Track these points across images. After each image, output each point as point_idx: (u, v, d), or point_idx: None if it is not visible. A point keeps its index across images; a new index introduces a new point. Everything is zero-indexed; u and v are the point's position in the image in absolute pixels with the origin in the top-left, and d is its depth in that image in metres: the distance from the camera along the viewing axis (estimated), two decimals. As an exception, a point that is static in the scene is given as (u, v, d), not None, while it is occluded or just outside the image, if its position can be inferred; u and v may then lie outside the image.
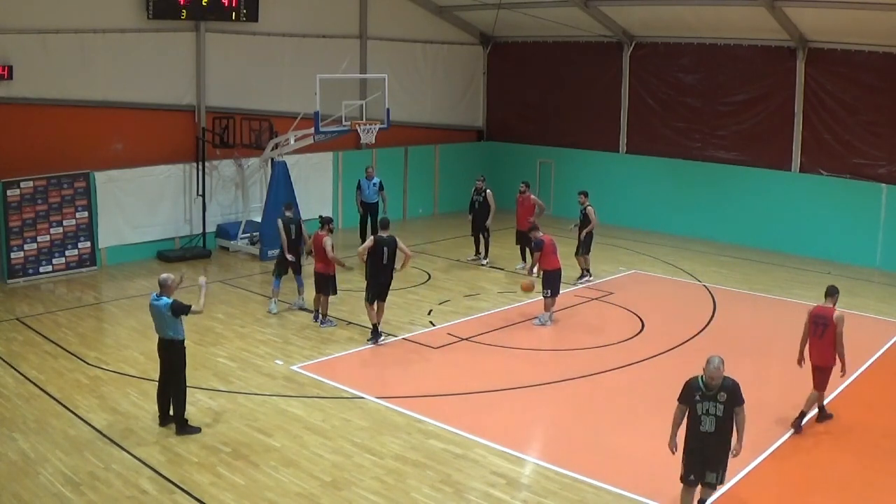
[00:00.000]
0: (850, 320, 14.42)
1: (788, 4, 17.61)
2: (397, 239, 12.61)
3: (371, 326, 12.75)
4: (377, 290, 12.59)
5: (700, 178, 20.93)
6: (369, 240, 12.78)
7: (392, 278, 12.71)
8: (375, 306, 12.67)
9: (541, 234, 13.96)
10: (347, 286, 14.53)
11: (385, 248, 12.45)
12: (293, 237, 14.11)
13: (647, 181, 21.97)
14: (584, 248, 16.47)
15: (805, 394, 10.31)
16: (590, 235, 16.42)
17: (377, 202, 18.96)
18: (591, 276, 16.58)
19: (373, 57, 22.03)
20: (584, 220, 16.36)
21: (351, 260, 14.57)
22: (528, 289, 14.21)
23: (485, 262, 17.90)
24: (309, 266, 14.11)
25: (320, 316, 13.54)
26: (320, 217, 13.78)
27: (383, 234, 12.64)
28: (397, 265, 12.72)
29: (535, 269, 14.10)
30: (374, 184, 18.90)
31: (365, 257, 12.57)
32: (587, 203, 16.41)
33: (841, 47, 18.52)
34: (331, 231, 13.48)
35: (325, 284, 13.37)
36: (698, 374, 7.45)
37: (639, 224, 21.95)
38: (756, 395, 11.05)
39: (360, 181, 19.06)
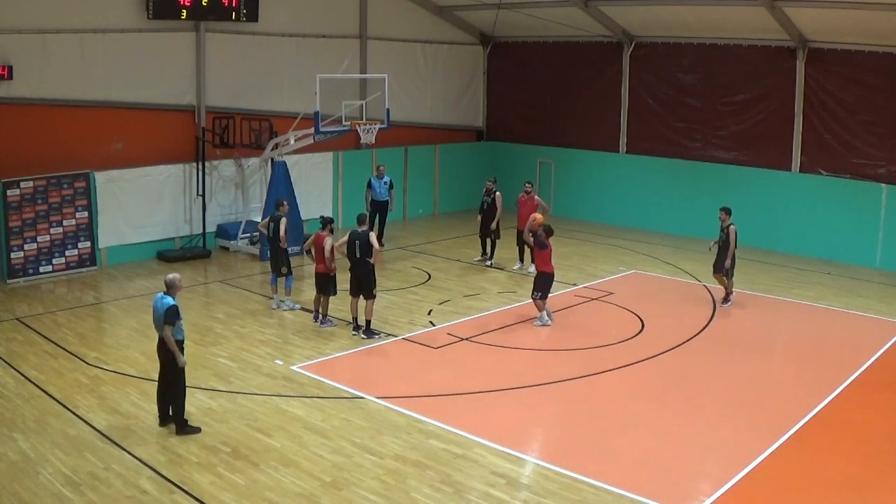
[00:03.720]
0: (850, 320, 14.59)
1: (788, 4, 17.61)
2: (370, 233, 12.89)
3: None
4: (352, 283, 13.03)
5: (700, 178, 20.93)
6: (346, 235, 13.09)
7: (368, 272, 12.82)
8: (356, 300, 13.05)
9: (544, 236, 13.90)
10: (346, 286, 14.49)
11: (356, 242, 12.75)
12: (271, 235, 14.29)
13: (647, 181, 21.97)
14: (726, 272, 14.98)
15: (803, 394, 10.31)
16: (733, 257, 14.94)
17: (387, 200, 19.04)
18: (729, 300, 15.18)
19: (373, 57, 22.03)
20: (727, 241, 14.86)
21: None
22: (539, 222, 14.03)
23: (489, 263, 17.87)
24: (310, 266, 14.12)
25: (320, 316, 13.56)
26: (321, 217, 13.82)
27: (358, 228, 12.95)
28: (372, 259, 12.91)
29: (532, 268, 14.06)
30: (385, 182, 19.01)
31: (344, 251, 12.98)
32: (729, 221, 14.94)
33: (841, 47, 18.52)
34: (331, 231, 13.54)
35: (326, 284, 13.40)
36: None
37: (639, 224, 21.96)
38: (756, 394, 11.11)
39: (370, 179, 19.17)
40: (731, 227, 14.83)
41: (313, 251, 13.58)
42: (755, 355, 12.68)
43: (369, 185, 19.15)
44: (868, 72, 18.23)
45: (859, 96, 18.42)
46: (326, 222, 13.54)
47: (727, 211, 15.06)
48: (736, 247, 14.86)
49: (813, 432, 9.86)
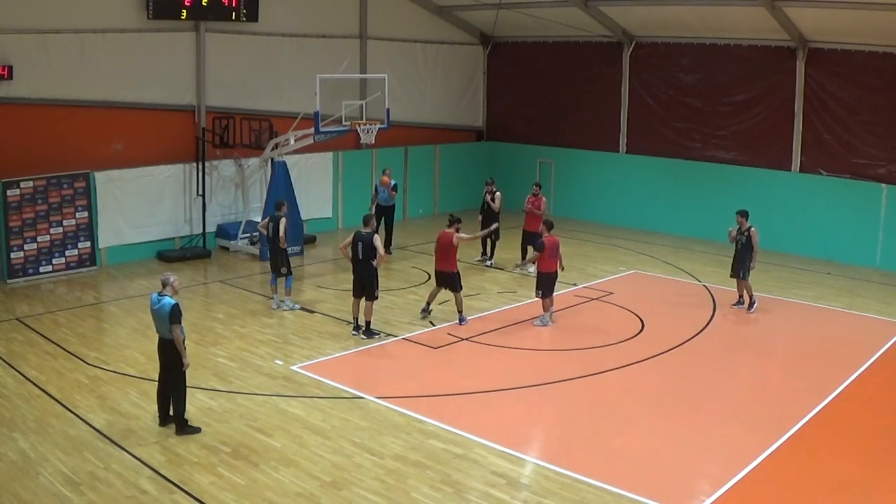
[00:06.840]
0: (850, 320, 14.59)
1: (788, 4, 17.62)
2: (375, 236, 12.82)
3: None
4: (354, 284, 13.02)
5: (700, 178, 20.94)
6: (351, 235, 13.08)
7: (370, 275, 12.82)
8: (358, 301, 13.03)
9: (546, 235, 13.89)
10: (347, 286, 14.51)
11: (359, 244, 12.73)
12: (271, 235, 14.30)
13: (647, 181, 21.97)
14: (745, 273, 14.62)
15: (803, 394, 10.28)
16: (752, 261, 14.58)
17: (393, 205, 18.96)
18: (754, 305, 14.77)
19: (373, 57, 22.03)
20: (748, 244, 14.47)
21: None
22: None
23: (489, 263, 17.86)
24: (310, 266, 14.10)
25: (428, 307, 13.82)
26: (450, 216, 13.91)
27: (362, 230, 12.90)
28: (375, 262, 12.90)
29: (531, 268, 14.06)
30: (393, 186, 18.92)
31: (348, 253, 12.93)
32: (748, 224, 14.58)
33: (841, 47, 18.53)
34: (458, 230, 13.58)
35: (452, 281, 13.57)
36: None
37: (639, 224, 21.96)
38: (756, 394, 11.12)
39: (376, 186, 18.97)
40: (752, 229, 14.52)
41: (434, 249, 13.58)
42: (755, 355, 12.69)
43: (376, 191, 18.99)
44: (868, 72, 18.23)
45: (859, 96, 18.42)
46: (455, 221, 13.55)
47: (744, 214, 14.70)
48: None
49: (813, 432, 9.86)
